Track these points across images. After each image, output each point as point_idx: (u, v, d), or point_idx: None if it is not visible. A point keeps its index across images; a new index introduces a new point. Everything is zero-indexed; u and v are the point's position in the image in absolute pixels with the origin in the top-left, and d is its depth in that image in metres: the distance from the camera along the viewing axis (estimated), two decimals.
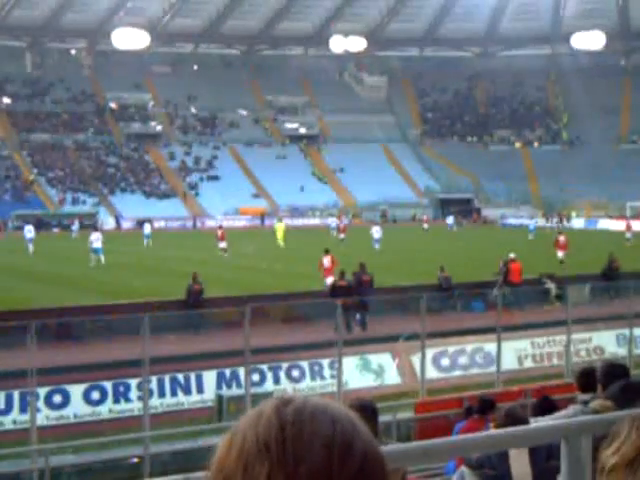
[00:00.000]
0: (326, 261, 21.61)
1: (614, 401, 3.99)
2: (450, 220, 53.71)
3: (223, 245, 34.11)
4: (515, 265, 21.57)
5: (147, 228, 40.59)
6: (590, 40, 77.79)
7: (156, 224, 52.86)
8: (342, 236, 39.46)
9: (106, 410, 12.03)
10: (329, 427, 0.85)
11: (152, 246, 38.26)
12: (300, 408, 0.87)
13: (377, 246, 34.88)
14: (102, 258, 29.46)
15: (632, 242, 37.26)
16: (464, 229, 52.32)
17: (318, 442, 0.84)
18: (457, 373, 14.85)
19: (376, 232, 36.14)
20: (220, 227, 36.71)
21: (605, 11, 78.03)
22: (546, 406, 5.98)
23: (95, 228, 38.13)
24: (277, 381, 13.35)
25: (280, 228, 38.62)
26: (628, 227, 40.75)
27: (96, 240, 29.76)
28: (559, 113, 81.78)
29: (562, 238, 28.74)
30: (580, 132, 76.90)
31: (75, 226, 48.37)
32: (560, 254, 27.74)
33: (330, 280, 21.06)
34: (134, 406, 12.02)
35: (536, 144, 77.86)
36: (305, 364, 13.74)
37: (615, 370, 4.60)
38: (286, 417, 0.85)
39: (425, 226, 51.20)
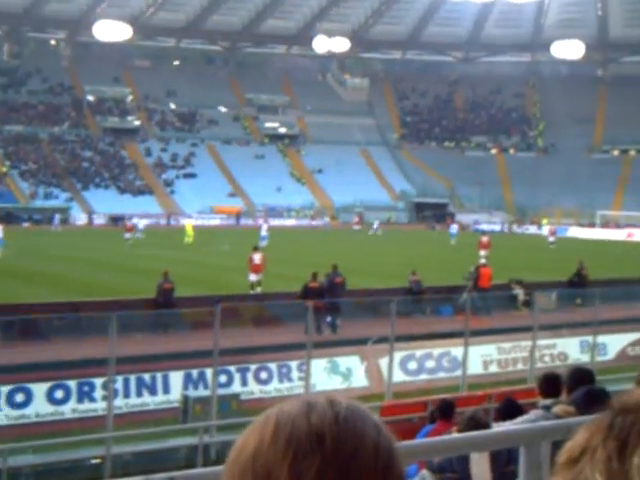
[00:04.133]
0: (256, 258, 22.11)
1: (577, 407, 4.03)
2: (263, 231, 44.27)
3: (128, 236, 38.80)
4: (485, 270, 21.85)
5: (141, 224, 45.44)
6: (569, 49, 78.72)
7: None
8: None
9: (69, 410, 11.84)
10: (374, 430, 0.83)
11: (138, 241, 40.08)
12: (350, 405, 0.84)
13: (264, 242, 35.43)
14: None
15: (554, 246, 40.86)
16: (382, 234, 49.93)
17: (368, 442, 0.81)
18: (423, 377, 14.93)
19: (264, 230, 38.66)
20: (129, 219, 44.58)
21: (585, 21, 79.01)
22: (511, 409, 5.94)
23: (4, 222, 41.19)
24: (245, 383, 13.29)
25: (189, 226, 41.58)
26: (552, 232, 44.07)
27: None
28: (536, 120, 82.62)
29: (485, 239, 32.07)
30: (555, 140, 77.80)
31: (56, 220, 50.52)
32: (482, 253, 30.52)
33: (254, 277, 21.76)
34: (98, 406, 11.86)
35: (512, 151, 78.60)
36: (273, 366, 13.70)
37: (582, 375, 4.64)
38: (340, 411, 0.82)
39: (356, 227, 53.06)
